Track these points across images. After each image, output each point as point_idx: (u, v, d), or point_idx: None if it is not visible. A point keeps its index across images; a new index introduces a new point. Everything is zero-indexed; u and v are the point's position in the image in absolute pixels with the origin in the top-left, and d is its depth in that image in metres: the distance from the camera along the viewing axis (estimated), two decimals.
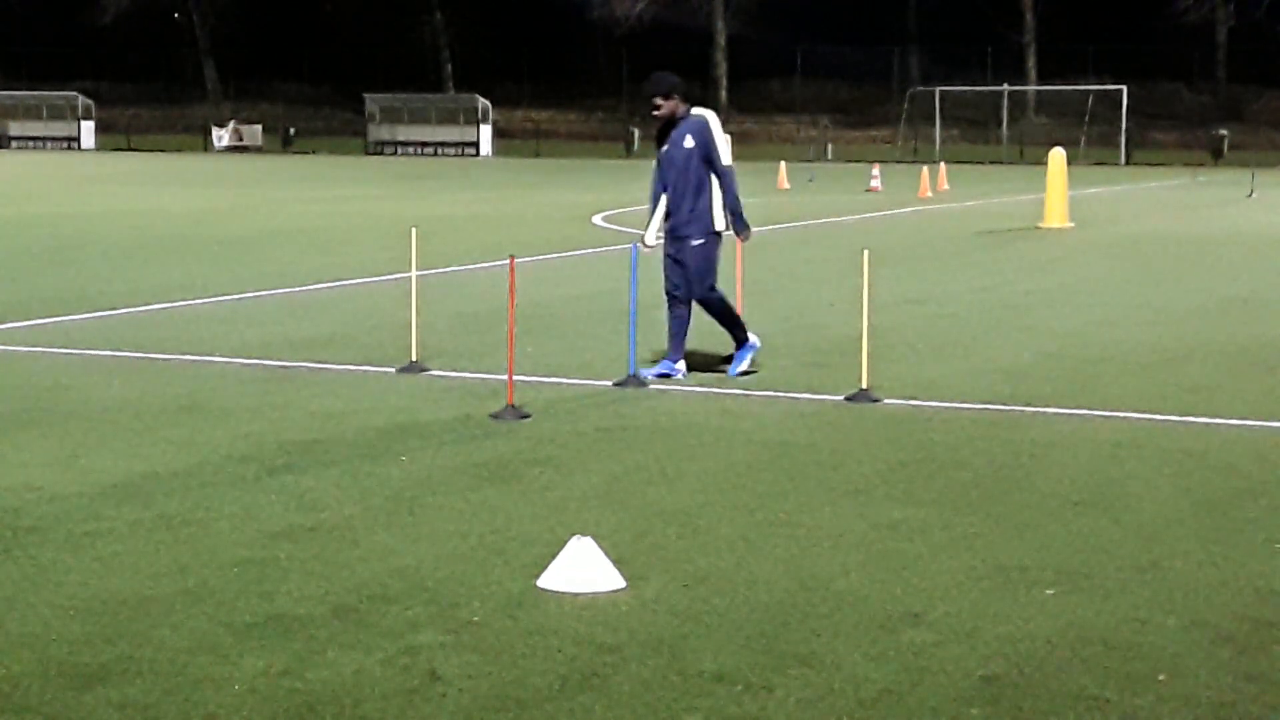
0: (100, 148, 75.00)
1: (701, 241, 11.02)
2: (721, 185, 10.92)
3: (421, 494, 7.77)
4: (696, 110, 10.98)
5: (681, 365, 11.15)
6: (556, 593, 6.14)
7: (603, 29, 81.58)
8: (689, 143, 10.87)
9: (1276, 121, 74.01)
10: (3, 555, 6.62)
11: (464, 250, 21.46)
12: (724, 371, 11.42)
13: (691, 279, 11.05)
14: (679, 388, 10.90)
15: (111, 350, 12.41)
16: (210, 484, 7.93)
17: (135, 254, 21.13)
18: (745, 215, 11.09)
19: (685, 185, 10.91)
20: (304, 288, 17.08)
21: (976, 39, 75.82)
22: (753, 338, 11.34)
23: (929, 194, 37.57)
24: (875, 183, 40.87)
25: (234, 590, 6.16)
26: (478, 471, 8.28)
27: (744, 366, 11.24)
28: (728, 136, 11.30)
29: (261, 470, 8.25)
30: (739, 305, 12.39)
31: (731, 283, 12.55)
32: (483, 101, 71.38)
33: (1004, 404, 10.36)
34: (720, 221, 11.07)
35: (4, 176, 45.35)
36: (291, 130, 75.10)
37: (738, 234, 11.15)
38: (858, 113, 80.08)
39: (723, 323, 11.33)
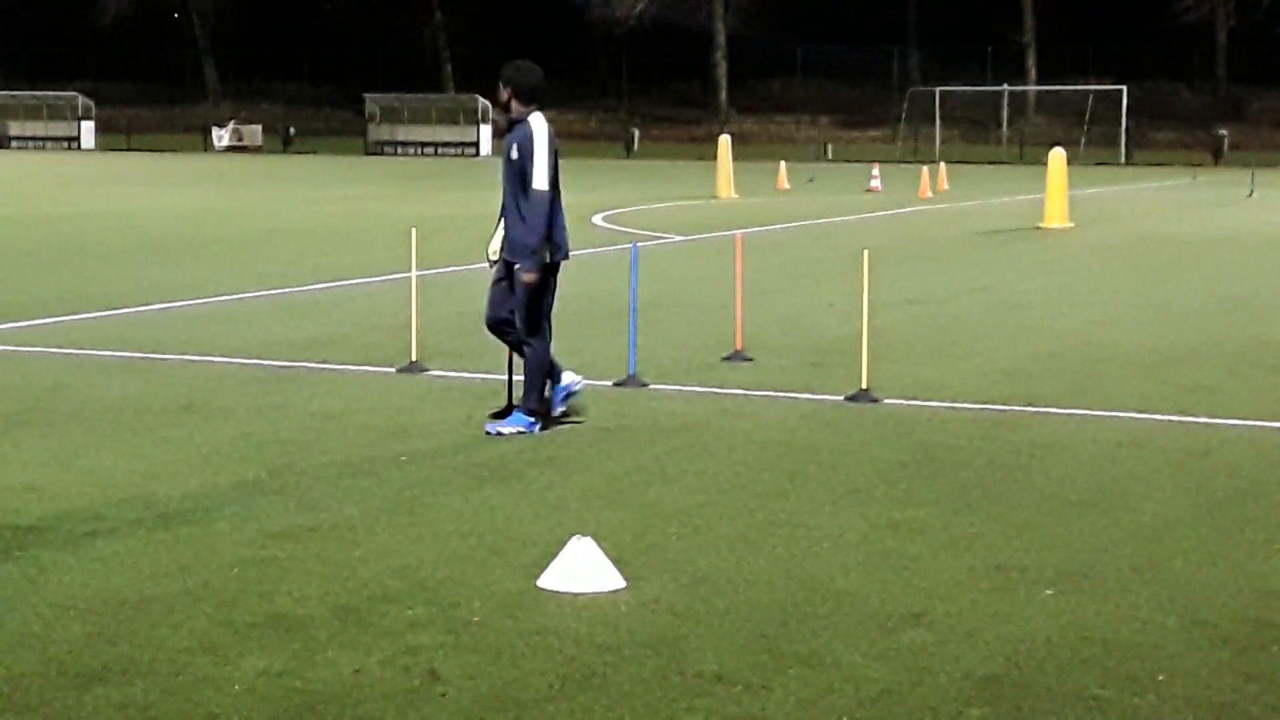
0: (100, 148, 74.97)
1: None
2: (524, 209, 9.10)
3: (421, 494, 7.77)
4: (534, 116, 9.19)
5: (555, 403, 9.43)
6: (556, 593, 6.15)
7: (603, 29, 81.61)
8: (514, 154, 9.17)
9: (1276, 122, 74.06)
10: (3, 555, 6.62)
11: (464, 250, 21.44)
12: (717, 374, 11.41)
13: (518, 313, 9.30)
14: (679, 388, 10.90)
15: (111, 350, 12.40)
16: (210, 484, 7.93)
17: (135, 254, 21.12)
18: (532, 254, 9.10)
19: (512, 203, 9.22)
20: (304, 288, 17.08)
21: (976, 39, 75.80)
22: (535, 425, 9.23)
23: (929, 194, 37.56)
24: (875, 183, 40.85)
25: (234, 590, 6.17)
26: (478, 471, 8.28)
27: (506, 430, 9.17)
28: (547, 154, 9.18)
29: (261, 470, 8.25)
30: (738, 306, 12.38)
31: (731, 282, 12.52)
32: (483, 101, 71.32)
33: (1004, 404, 10.36)
34: (548, 251, 9.22)
35: (4, 177, 45.34)
36: (291, 130, 75.09)
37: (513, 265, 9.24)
38: (858, 113, 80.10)
39: (528, 379, 9.26)
